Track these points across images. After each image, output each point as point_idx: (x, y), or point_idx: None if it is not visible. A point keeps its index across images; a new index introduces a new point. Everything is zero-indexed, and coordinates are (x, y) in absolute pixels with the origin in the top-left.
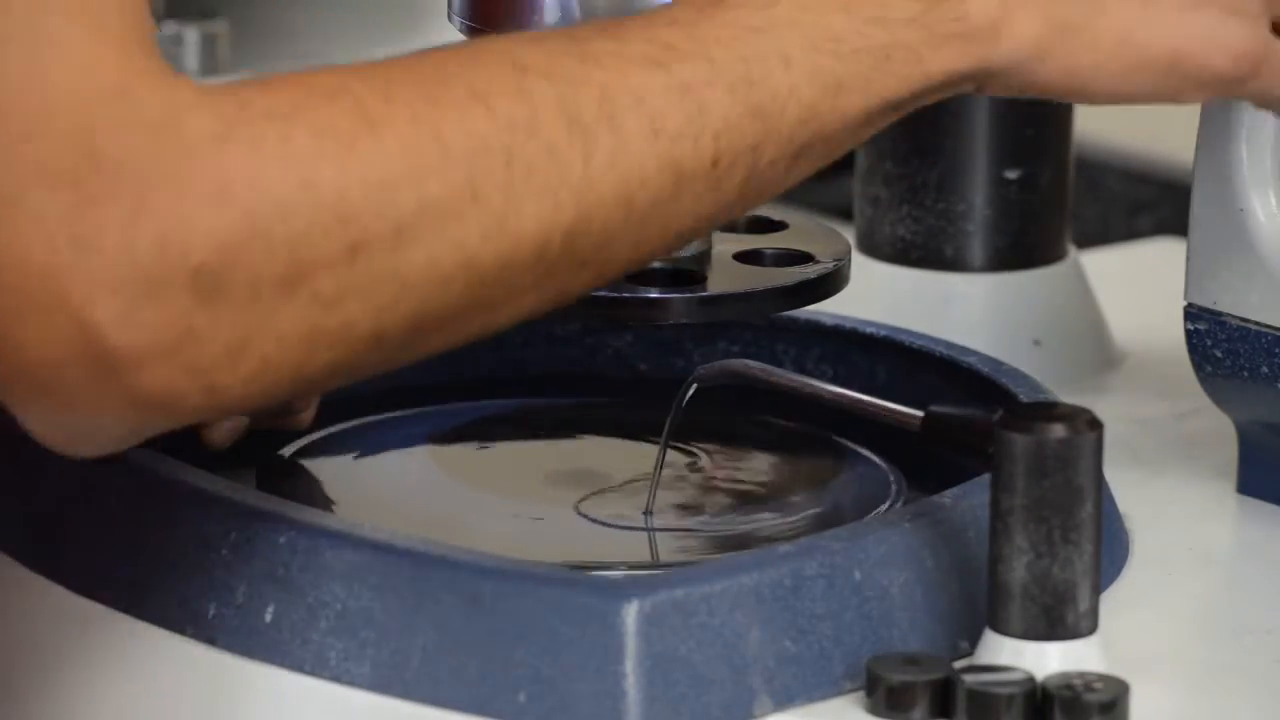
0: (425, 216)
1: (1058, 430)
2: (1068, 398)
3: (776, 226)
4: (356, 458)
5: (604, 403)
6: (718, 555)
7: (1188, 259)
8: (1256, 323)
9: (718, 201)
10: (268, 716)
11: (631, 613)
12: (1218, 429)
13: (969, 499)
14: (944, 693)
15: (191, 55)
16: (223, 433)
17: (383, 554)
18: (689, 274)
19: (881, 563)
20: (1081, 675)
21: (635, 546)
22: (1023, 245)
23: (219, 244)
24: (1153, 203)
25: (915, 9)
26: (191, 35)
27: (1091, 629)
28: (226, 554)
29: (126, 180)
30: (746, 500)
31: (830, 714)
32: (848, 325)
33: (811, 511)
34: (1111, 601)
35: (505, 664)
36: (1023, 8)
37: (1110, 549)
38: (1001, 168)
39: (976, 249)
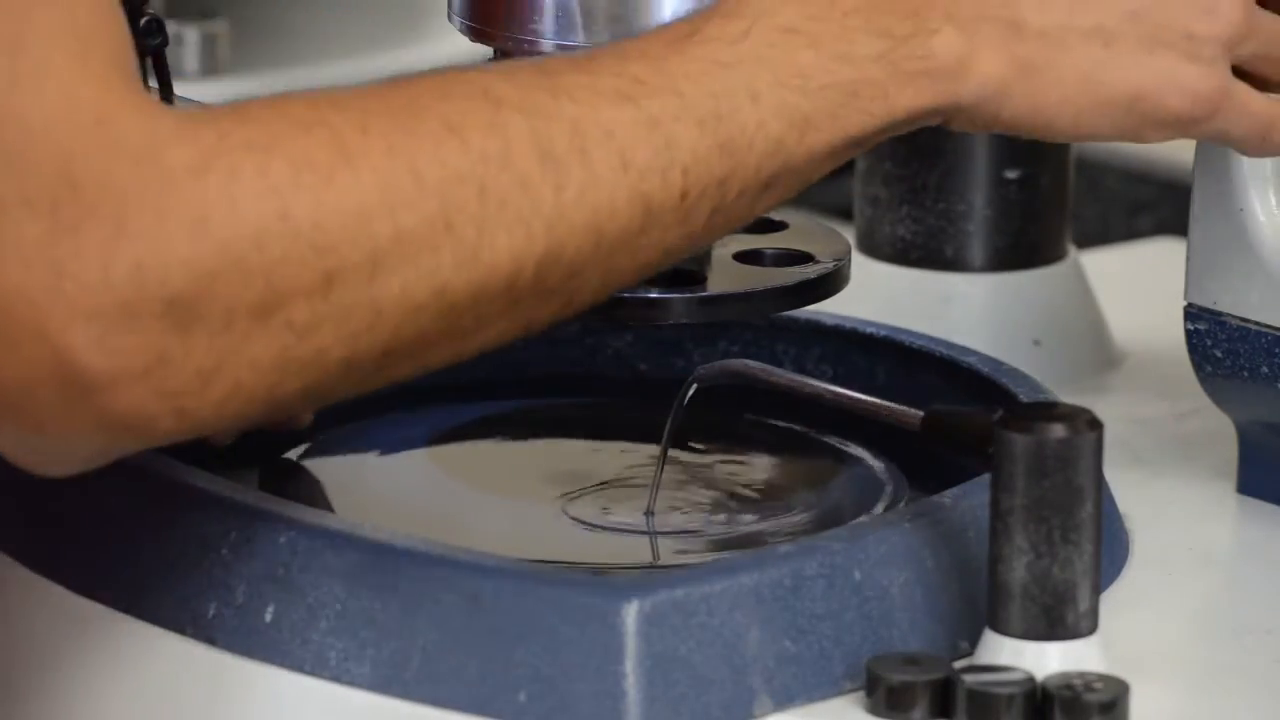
0: (400, 247)
1: (1058, 430)
2: (1068, 398)
3: (776, 226)
4: (356, 458)
5: (604, 403)
6: (718, 555)
7: (1188, 259)
8: (1256, 323)
9: (686, 233)
10: (268, 716)
11: (631, 613)
12: (1218, 429)
13: (969, 499)
14: (944, 693)
15: (191, 55)
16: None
17: (383, 554)
18: (689, 274)
19: (881, 563)
20: (1081, 675)
21: (635, 547)
22: (1023, 245)
23: (195, 273)
24: (1153, 203)
25: (882, 46)
26: (191, 35)
27: (1091, 629)
28: (226, 554)
29: (105, 208)
30: (747, 500)
31: (830, 714)
32: (848, 325)
33: (811, 511)
34: (1111, 601)
35: (505, 664)
36: (988, 46)
37: (1110, 549)
38: (1001, 168)
39: (976, 249)
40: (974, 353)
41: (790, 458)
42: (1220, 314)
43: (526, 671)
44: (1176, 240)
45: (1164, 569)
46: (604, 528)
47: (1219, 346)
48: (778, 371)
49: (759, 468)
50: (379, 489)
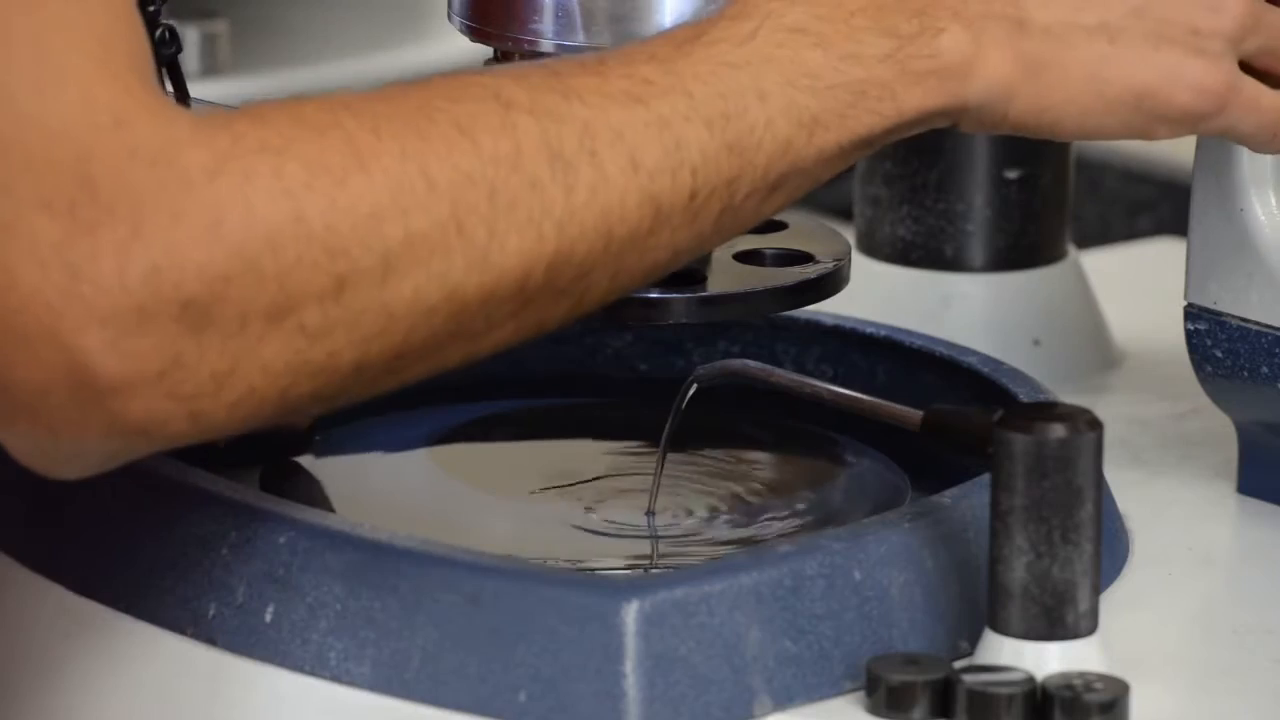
0: (411, 250)
1: (1058, 430)
2: (1068, 398)
3: (776, 226)
4: (356, 458)
5: (604, 403)
6: (718, 555)
7: (1188, 259)
8: (1256, 323)
9: (695, 234)
10: (268, 716)
11: (631, 613)
12: (1218, 429)
13: (969, 499)
14: (944, 693)
15: (191, 55)
16: None
17: (383, 554)
18: (689, 274)
19: (881, 563)
20: (1081, 675)
21: (635, 546)
22: (1023, 245)
23: (210, 276)
24: (1153, 203)
25: (890, 46)
26: (191, 35)
27: (1091, 629)
28: (226, 554)
29: (121, 211)
30: (746, 500)
31: (830, 714)
32: (848, 325)
33: (811, 512)
34: (1111, 601)
35: (505, 664)
36: (995, 46)
37: (1110, 549)
38: (1001, 168)
39: (976, 249)
40: (974, 353)
41: (790, 458)
42: (1220, 314)
43: (526, 671)
44: (1176, 240)
45: (1164, 569)
46: (604, 528)
47: (1219, 346)
48: (778, 371)
49: (759, 468)
50: (379, 489)
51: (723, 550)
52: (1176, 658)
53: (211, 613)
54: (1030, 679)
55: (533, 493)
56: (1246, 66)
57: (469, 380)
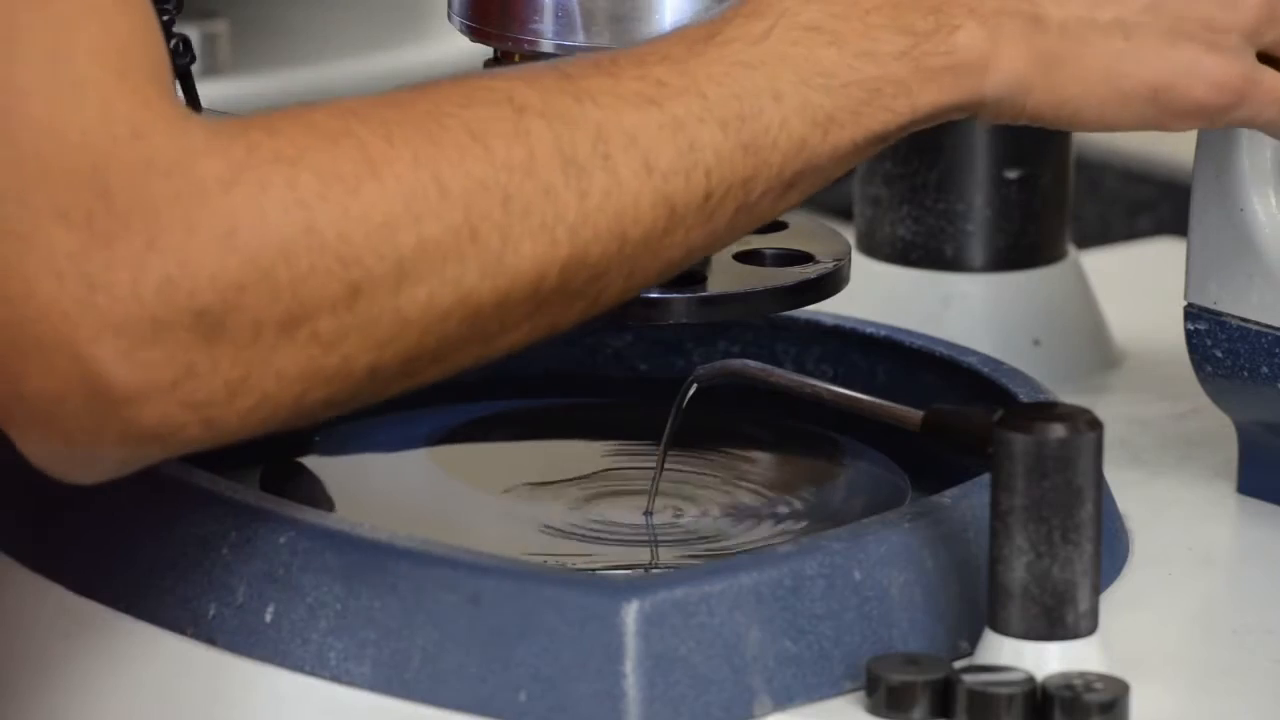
0: (424, 257)
1: (1058, 430)
2: (1068, 398)
3: (776, 226)
4: (356, 458)
5: (604, 403)
6: (718, 555)
7: (1188, 259)
8: (1256, 323)
9: (709, 233)
10: (268, 716)
11: (631, 613)
12: (1218, 429)
13: (969, 499)
14: (944, 693)
15: None
16: None
17: (383, 554)
18: (689, 274)
19: (881, 563)
20: (1081, 675)
21: (635, 547)
22: (1023, 245)
23: (223, 286)
24: (1153, 203)
25: (904, 43)
26: (191, 35)
27: (1091, 629)
28: (226, 554)
29: (136, 221)
30: (746, 500)
31: (830, 714)
32: (848, 325)
33: (811, 512)
34: (1111, 601)
35: (505, 664)
36: (1010, 41)
37: (1110, 549)
38: (1001, 168)
39: (976, 249)
40: (974, 353)
41: (790, 458)
42: (1220, 314)
43: (526, 671)
44: (1176, 240)
45: (1164, 569)
46: (604, 528)
47: (1219, 346)
48: (778, 371)
49: (759, 468)
50: (379, 489)
51: (722, 550)
52: (1176, 658)
53: (211, 613)
54: (1030, 679)
55: (532, 493)
56: (1267, 58)
57: (469, 380)
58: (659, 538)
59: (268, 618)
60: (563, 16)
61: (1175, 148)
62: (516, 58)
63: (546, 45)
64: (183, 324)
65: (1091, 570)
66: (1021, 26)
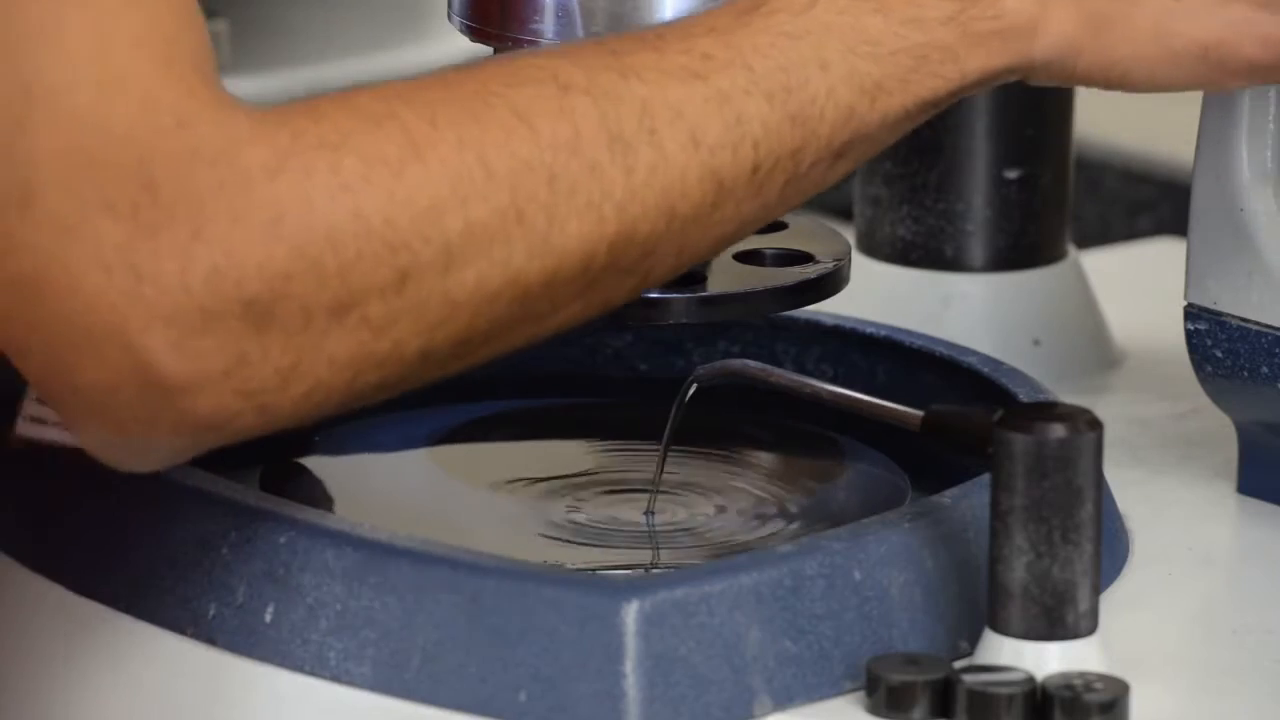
0: (472, 239)
1: (1058, 430)
2: (1068, 398)
3: (776, 226)
4: (356, 458)
5: (604, 403)
6: (718, 555)
7: (1188, 259)
8: (1256, 323)
9: (759, 206)
10: (268, 716)
11: (631, 613)
12: (1218, 429)
13: (969, 499)
14: (944, 693)
15: None
16: None
17: (383, 554)
18: (689, 274)
19: (881, 563)
20: (1081, 675)
21: (636, 547)
22: (1023, 245)
23: (271, 275)
24: (1153, 203)
25: (952, 8)
26: None
27: (1091, 629)
28: (226, 554)
29: (182, 211)
30: (746, 500)
31: (830, 714)
32: (848, 325)
33: (811, 512)
34: (1111, 601)
35: (505, 664)
36: (1059, 4)
37: (1110, 549)
38: (1001, 168)
39: (976, 249)
40: (974, 353)
41: (790, 458)
42: (1220, 314)
43: (526, 671)
44: (1176, 240)
45: (1164, 569)
46: (604, 528)
47: (1219, 346)
48: (778, 371)
49: (759, 468)
50: (379, 489)
51: (722, 550)
52: (1176, 658)
53: (211, 613)
54: (1030, 679)
55: (532, 493)
56: None
57: (469, 380)
58: (659, 538)
59: (267, 618)
60: (563, 16)
61: (1175, 148)
62: None
63: (546, 45)
64: (232, 313)
65: (1091, 570)
66: None
